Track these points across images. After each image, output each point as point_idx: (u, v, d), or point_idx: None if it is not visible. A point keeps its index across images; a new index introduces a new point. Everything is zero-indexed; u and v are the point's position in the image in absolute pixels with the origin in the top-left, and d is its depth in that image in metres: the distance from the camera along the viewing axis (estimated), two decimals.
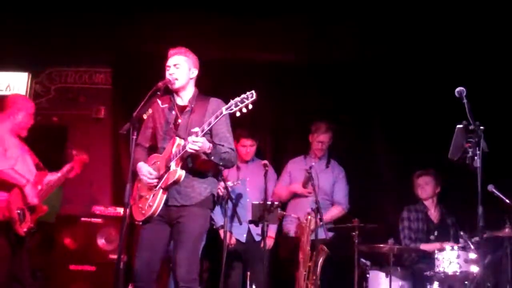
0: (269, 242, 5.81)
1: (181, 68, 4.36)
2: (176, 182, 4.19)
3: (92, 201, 6.48)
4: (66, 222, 6.23)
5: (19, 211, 5.13)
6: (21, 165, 5.27)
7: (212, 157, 4.18)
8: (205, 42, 6.27)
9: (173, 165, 4.18)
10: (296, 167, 6.20)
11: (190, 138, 4.05)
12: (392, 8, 6.45)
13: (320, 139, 6.18)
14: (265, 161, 5.75)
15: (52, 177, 5.43)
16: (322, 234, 5.45)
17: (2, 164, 5.11)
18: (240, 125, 5.43)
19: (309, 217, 5.64)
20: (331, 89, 6.86)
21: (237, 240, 5.97)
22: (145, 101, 4.14)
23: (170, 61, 4.38)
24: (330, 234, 5.75)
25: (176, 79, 4.34)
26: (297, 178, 6.08)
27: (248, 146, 6.10)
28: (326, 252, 5.52)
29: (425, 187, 6.13)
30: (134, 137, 4.07)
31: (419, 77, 6.61)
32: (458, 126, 4.06)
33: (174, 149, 4.20)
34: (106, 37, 7.03)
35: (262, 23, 6.69)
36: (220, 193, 5.43)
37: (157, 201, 4.20)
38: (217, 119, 4.08)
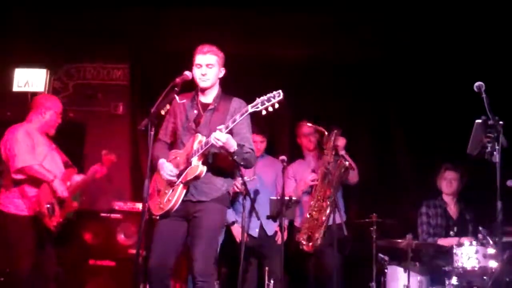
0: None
1: (213, 69, 4.37)
2: (197, 177, 4.22)
3: (111, 197, 6.53)
4: (86, 218, 6.28)
5: (48, 206, 5.22)
6: (49, 162, 5.38)
7: (236, 157, 4.22)
8: (223, 38, 6.27)
9: (194, 160, 4.21)
10: (299, 169, 6.19)
11: (214, 134, 4.08)
12: (411, 5, 6.42)
13: (304, 132, 6.17)
14: (283, 157, 5.73)
15: (80, 177, 5.50)
16: (338, 219, 5.46)
17: (30, 160, 5.22)
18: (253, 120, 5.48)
19: (335, 131, 5.76)
20: (349, 86, 6.84)
21: (250, 235, 5.97)
22: (163, 97, 4.15)
23: (203, 60, 4.34)
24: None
25: (208, 79, 4.36)
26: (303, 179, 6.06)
27: (259, 142, 6.09)
28: (345, 166, 5.63)
29: (452, 182, 6.06)
30: (152, 133, 4.07)
31: (437, 72, 6.58)
32: (477, 121, 4.05)
33: (195, 145, 4.23)
34: (124, 33, 7.06)
35: (280, 19, 6.69)
36: (237, 189, 5.44)
37: (176, 196, 4.24)
38: (242, 117, 4.10)
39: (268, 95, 4.01)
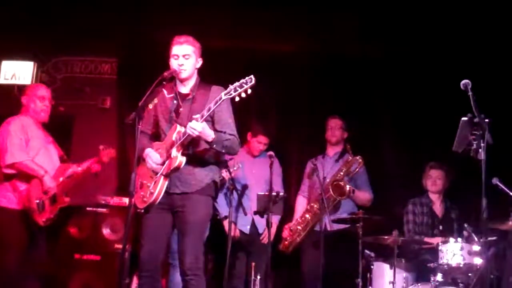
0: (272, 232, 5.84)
1: (190, 59, 4.37)
2: (176, 168, 4.21)
3: (97, 191, 6.50)
4: (72, 212, 6.24)
5: (38, 201, 5.18)
6: (43, 156, 5.34)
7: (214, 145, 4.22)
8: (211, 32, 6.27)
9: (174, 151, 4.20)
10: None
11: (189, 124, 4.09)
12: (399, 3, 6.43)
13: (331, 124, 6.24)
14: (271, 152, 5.76)
15: (74, 170, 5.46)
16: (329, 225, 5.54)
17: (21, 156, 5.18)
18: (247, 115, 5.49)
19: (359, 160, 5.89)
20: (338, 82, 6.86)
21: (241, 232, 6.00)
22: (150, 91, 4.16)
23: (179, 50, 4.35)
24: (335, 226, 5.80)
25: (185, 70, 4.36)
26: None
27: (263, 144, 6.13)
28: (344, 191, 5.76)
29: (437, 181, 6.08)
30: (140, 127, 4.08)
31: (425, 70, 6.62)
32: (463, 118, 4.07)
33: (174, 136, 4.23)
34: (112, 27, 7.03)
35: (268, 13, 6.68)
36: (226, 177, 5.43)
37: (158, 188, 4.23)
38: (216, 105, 4.12)
39: (241, 81, 4.03)
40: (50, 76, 7.45)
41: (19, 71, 7.33)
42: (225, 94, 4.07)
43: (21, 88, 6.12)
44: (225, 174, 5.37)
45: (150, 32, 6.96)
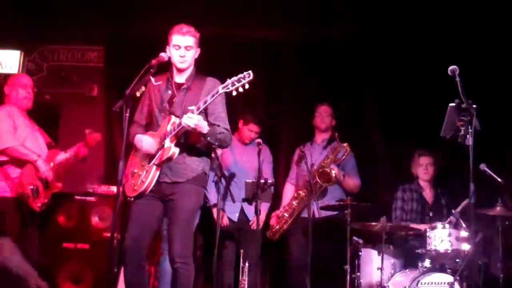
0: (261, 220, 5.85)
1: (192, 50, 4.36)
2: (170, 158, 4.21)
3: (85, 179, 6.47)
4: (60, 200, 6.21)
5: (32, 187, 5.19)
6: (31, 143, 5.35)
7: (209, 138, 4.21)
8: (198, 20, 6.23)
9: (167, 142, 4.20)
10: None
11: (185, 116, 4.07)
12: None
13: (321, 111, 6.25)
14: (259, 140, 5.75)
15: (62, 156, 5.46)
16: (317, 212, 5.56)
17: (11, 141, 5.18)
18: (236, 103, 5.47)
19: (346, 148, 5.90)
20: (325, 68, 6.86)
21: (229, 219, 6.00)
22: (138, 79, 4.13)
23: (181, 41, 4.32)
24: (323, 213, 5.82)
25: (186, 61, 4.35)
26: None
27: (254, 132, 6.13)
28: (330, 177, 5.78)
29: (428, 168, 6.09)
30: (127, 114, 4.04)
31: (413, 55, 6.62)
32: (450, 104, 4.08)
33: (169, 127, 4.23)
34: (99, 14, 6.98)
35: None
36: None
37: (150, 177, 4.23)
38: (213, 98, 4.10)
39: (239, 76, 4.02)
40: (37, 64, 7.40)
41: (5, 60, 7.28)
42: (222, 88, 4.06)
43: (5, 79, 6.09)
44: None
45: (138, 20, 6.92)
